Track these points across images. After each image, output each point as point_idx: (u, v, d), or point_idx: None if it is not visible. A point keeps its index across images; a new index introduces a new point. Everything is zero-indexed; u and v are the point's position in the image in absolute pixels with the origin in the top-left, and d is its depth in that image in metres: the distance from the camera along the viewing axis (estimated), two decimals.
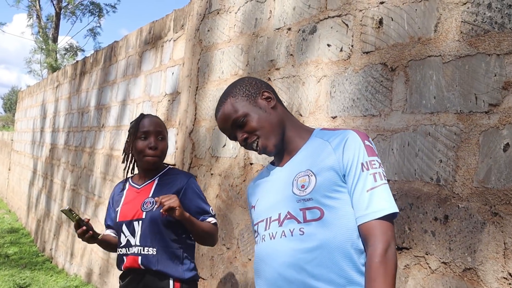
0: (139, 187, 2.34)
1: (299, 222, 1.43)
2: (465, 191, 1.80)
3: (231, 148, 3.29)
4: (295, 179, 1.50)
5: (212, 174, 3.49)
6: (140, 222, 2.22)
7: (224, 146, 3.38)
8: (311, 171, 1.47)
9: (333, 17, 2.50)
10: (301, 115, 2.66)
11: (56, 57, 20.70)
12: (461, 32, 1.88)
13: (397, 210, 1.41)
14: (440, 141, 1.91)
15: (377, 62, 2.22)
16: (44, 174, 9.31)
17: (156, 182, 2.31)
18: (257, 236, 1.59)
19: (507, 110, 1.71)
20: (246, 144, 1.59)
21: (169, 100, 4.36)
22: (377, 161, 1.45)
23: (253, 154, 3.03)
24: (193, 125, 3.82)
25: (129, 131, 2.37)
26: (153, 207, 2.21)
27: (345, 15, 2.42)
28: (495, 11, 1.77)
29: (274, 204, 1.53)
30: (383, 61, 2.20)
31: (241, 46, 3.29)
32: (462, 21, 1.88)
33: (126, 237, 2.26)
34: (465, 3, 1.88)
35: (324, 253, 1.38)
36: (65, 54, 21.65)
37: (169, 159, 4.20)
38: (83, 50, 21.52)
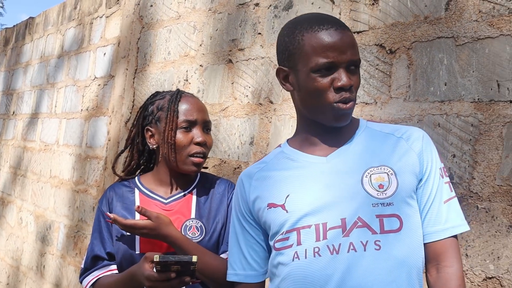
0: (166, 201, 1.51)
1: (374, 232, 1.11)
2: (486, 190, 1.59)
3: None
4: (366, 175, 1.16)
5: None
6: None
7: None
8: (390, 168, 1.16)
9: None
10: (271, 102, 2.34)
11: None
12: (479, 11, 1.67)
13: (469, 228, 1.23)
14: (452, 133, 1.69)
15: (371, 43, 1.97)
16: None
17: (195, 195, 1.53)
18: (293, 247, 1.16)
19: None
20: (339, 92, 1.15)
21: (99, 85, 3.85)
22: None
23: None
24: (131, 112, 3.36)
25: (151, 114, 1.54)
26: (205, 236, 1.47)
27: None
28: None
29: (328, 204, 1.15)
30: (379, 42, 1.94)
31: (193, 24, 2.91)
32: None
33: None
34: None
35: (402, 275, 1.10)
36: None
37: (99, 152, 3.70)
38: None
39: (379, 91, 1.93)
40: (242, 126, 2.49)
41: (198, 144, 1.47)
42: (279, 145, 1.34)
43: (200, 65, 2.81)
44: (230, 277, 1.32)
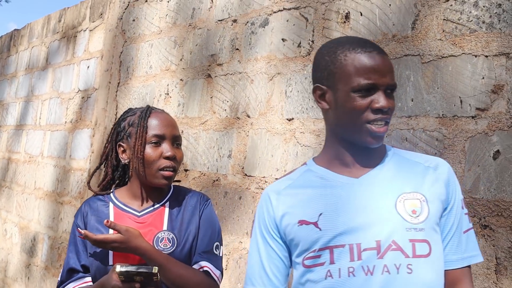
0: (139, 214, 1.55)
1: (406, 256, 1.15)
2: None
3: None
4: (400, 200, 1.20)
5: None
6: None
7: None
8: (422, 195, 1.20)
9: (290, 9, 2.27)
10: (248, 116, 2.40)
11: None
12: (443, 31, 1.74)
13: (483, 259, 1.29)
14: (419, 147, 1.76)
15: None
16: None
17: (167, 208, 1.57)
18: (325, 265, 1.19)
19: (497, 115, 1.58)
20: (376, 113, 1.18)
21: (82, 97, 3.88)
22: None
23: (190, 160, 2.71)
24: None
25: (122, 130, 1.59)
26: (175, 247, 1.51)
27: (304, 7, 2.21)
28: (482, 10, 1.65)
29: (363, 226, 1.18)
30: None
31: (174, 39, 2.97)
32: (444, 19, 1.74)
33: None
34: (447, 0, 1.74)
35: None
36: None
37: (82, 164, 3.73)
38: None
39: None
40: (221, 140, 2.54)
41: (167, 158, 1.50)
42: (305, 163, 1.34)
43: (181, 79, 2.86)
44: None
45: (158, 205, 1.55)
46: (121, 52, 3.43)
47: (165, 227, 1.52)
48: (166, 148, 1.51)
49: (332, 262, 1.17)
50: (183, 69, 2.86)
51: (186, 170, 2.74)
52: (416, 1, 1.82)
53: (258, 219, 1.33)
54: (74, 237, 1.56)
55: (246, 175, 2.37)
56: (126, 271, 1.29)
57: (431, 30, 1.78)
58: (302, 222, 1.22)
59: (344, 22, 2.05)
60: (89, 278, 1.51)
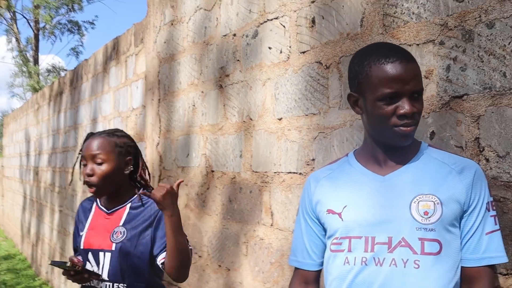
0: (108, 211, 2.05)
1: (414, 252, 1.28)
2: None
3: (194, 157, 3.30)
4: (415, 201, 1.31)
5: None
6: (109, 254, 1.97)
7: (187, 156, 3.39)
8: (437, 198, 1.30)
9: (271, 19, 2.52)
10: (251, 119, 2.67)
11: (38, 79, 20.69)
12: (384, 25, 1.90)
13: (507, 260, 1.33)
14: None
15: (313, 61, 2.24)
16: (33, 198, 9.31)
17: (127, 209, 2.03)
18: (344, 252, 1.36)
19: (430, 99, 1.73)
20: (401, 119, 1.29)
21: (136, 115, 4.38)
22: (494, 202, 1.37)
23: (214, 162, 3.05)
24: (159, 137, 3.83)
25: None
26: (124, 238, 1.96)
27: (282, 16, 2.44)
28: (411, 2, 1.79)
29: (379, 222, 1.32)
30: (318, 59, 2.21)
31: (194, 56, 3.31)
32: (384, 14, 1.90)
33: (92, 267, 2.01)
34: None
35: None
36: (48, 75, 21.65)
37: None
38: (65, 70, 21.54)
39: (321, 102, 2.19)
40: (233, 142, 2.84)
41: (87, 174, 1.97)
42: (346, 154, 1.51)
43: (202, 91, 3.20)
44: (292, 262, 1.55)
45: (120, 206, 2.05)
46: (158, 72, 3.85)
47: (121, 224, 2.00)
48: (87, 167, 1.99)
49: (349, 250, 1.35)
50: (203, 82, 3.20)
51: (212, 171, 3.07)
52: (361, 0, 1.99)
53: (301, 201, 1.54)
54: (75, 224, 2.17)
55: (253, 171, 2.65)
56: (52, 264, 1.89)
57: (374, 25, 1.94)
58: (329, 211, 1.41)
59: (312, 26, 2.26)
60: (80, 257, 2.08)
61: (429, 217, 1.28)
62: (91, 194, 2.05)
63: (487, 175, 1.51)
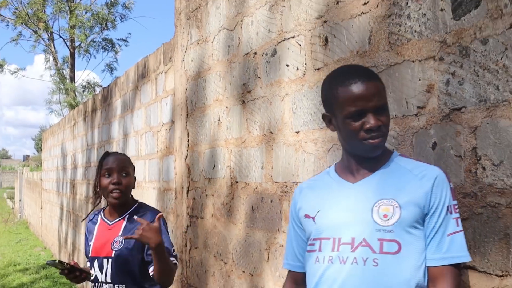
0: (110, 223, 2.45)
1: (373, 252, 1.40)
2: None
3: (219, 169, 3.48)
4: (377, 205, 1.44)
5: (206, 195, 3.68)
6: (110, 260, 2.36)
7: (213, 168, 3.57)
8: (396, 202, 1.42)
9: (288, 38, 2.68)
10: (271, 133, 2.83)
11: (75, 96, 21.43)
12: (389, 43, 2.04)
13: (470, 259, 1.43)
14: None
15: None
16: (70, 209, 9.68)
17: (125, 220, 2.43)
18: (316, 252, 1.51)
19: (431, 111, 1.85)
20: (368, 133, 1.44)
21: (166, 129, 4.60)
22: (457, 205, 1.46)
23: (238, 173, 3.21)
24: (187, 150, 4.03)
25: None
26: (122, 246, 2.35)
27: (298, 35, 2.60)
28: (413, 20, 1.93)
29: (345, 224, 1.46)
30: None
31: (219, 73, 3.50)
32: (389, 32, 2.04)
33: (95, 272, 2.40)
34: (389, 16, 2.03)
35: None
36: (83, 91, 22.43)
37: (172, 185, 4.41)
38: (101, 86, 22.30)
39: None
40: (256, 154, 3.00)
41: (114, 184, 2.33)
42: (329, 166, 1.69)
43: (226, 107, 3.38)
44: (285, 265, 1.73)
45: (120, 218, 2.42)
46: (186, 89, 4.06)
47: (120, 233, 2.38)
48: (114, 177, 2.38)
49: (320, 250, 1.51)
50: (227, 98, 3.38)
51: (236, 182, 3.24)
52: (369, 19, 2.14)
53: (290, 208, 1.73)
54: (85, 235, 2.54)
55: (274, 181, 2.80)
56: (49, 264, 2.22)
57: (381, 43, 2.08)
58: (306, 216, 1.60)
59: (325, 45, 2.41)
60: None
61: (388, 220, 1.41)
62: (98, 207, 2.51)
63: (483, 182, 1.62)
